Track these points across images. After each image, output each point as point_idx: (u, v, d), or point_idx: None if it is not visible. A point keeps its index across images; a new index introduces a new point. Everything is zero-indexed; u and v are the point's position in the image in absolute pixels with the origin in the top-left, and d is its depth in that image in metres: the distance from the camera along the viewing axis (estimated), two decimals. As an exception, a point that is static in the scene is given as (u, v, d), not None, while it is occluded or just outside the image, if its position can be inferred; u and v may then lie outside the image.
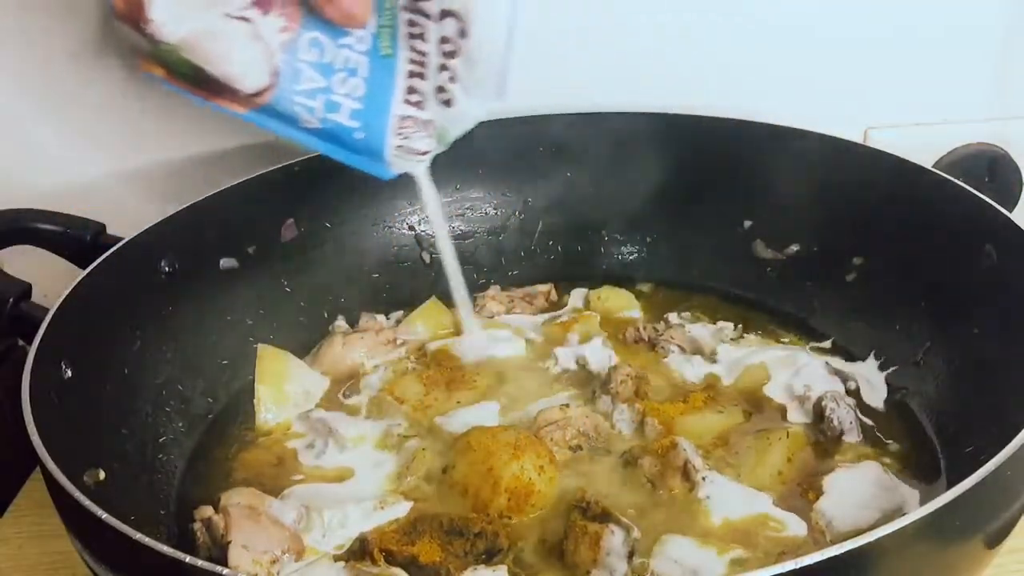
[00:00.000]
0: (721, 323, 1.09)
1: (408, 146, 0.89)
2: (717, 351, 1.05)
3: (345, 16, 0.83)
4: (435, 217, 1.02)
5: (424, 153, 0.92)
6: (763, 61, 1.23)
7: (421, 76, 0.86)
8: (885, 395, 0.98)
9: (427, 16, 0.83)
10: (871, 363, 1.02)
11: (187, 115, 1.20)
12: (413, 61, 0.86)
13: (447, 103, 0.87)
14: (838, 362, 1.02)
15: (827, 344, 1.05)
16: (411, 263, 1.21)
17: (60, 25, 1.14)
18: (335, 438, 0.95)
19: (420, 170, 0.96)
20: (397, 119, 0.88)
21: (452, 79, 0.86)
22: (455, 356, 1.06)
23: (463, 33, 0.83)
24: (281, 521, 0.83)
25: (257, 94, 0.86)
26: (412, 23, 0.84)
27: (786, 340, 1.06)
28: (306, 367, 1.05)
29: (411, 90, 0.87)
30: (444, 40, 0.84)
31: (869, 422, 0.94)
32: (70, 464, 0.72)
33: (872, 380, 1.00)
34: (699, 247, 1.19)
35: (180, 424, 0.98)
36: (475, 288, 1.19)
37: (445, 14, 0.83)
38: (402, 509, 0.86)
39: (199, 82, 0.86)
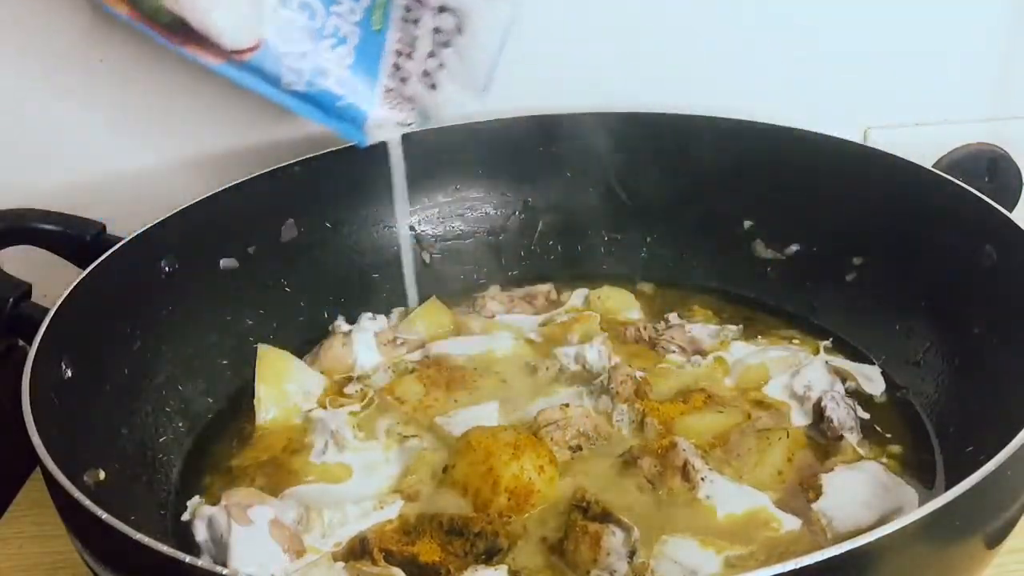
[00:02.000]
0: (721, 323, 1.09)
1: (388, 116, 0.91)
2: (717, 351, 1.05)
3: None
4: (399, 188, 1.03)
5: (402, 123, 0.94)
6: (763, 61, 1.23)
7: (408, 56, 0.88)
8: (885, 395, 0.98)
9: (424, 5, 0.85)
10: (871, 363, 1.02)
11: (187, 115, 1.20)
12: (402, 41, 0.88)
13: (432, 87, 0.89)
14: (838, 362, 1.01)
15: (827, 344, 1.05)
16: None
17: (60, 21, 1.14)
18: (335, 438, 0.95)
19: (394, 138, 0.97)
20: (382, 89, 0.90)
21: (440, 66, 0.88)
22: (455, 356, 1.06)
23: (459, 30, 0.85)
24: (281, 521, 0.83)
25: (238, 52, 0.86)
26: (408, 8, 0.86)
27: (786, 340, 1.06)
28: (306, 367, 1.05)
29: (397, 67, 0.89)
30: (438, 30, 0.87)
31: (869, 422, 0.94)
32: (70, 464, 0.72)
33: (872, 380, 1.00)
34: (699, 247, 1.19)
35: (180, 424, 0.98)
36: (475, 288, 1.19)
37: (443, 9, 0.85)
38: (402, 509, 0.86)
39: (174, 27, 0.86)
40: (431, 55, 0.87)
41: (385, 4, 0.85)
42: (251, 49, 0.86)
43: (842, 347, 1.05)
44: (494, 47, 0.87)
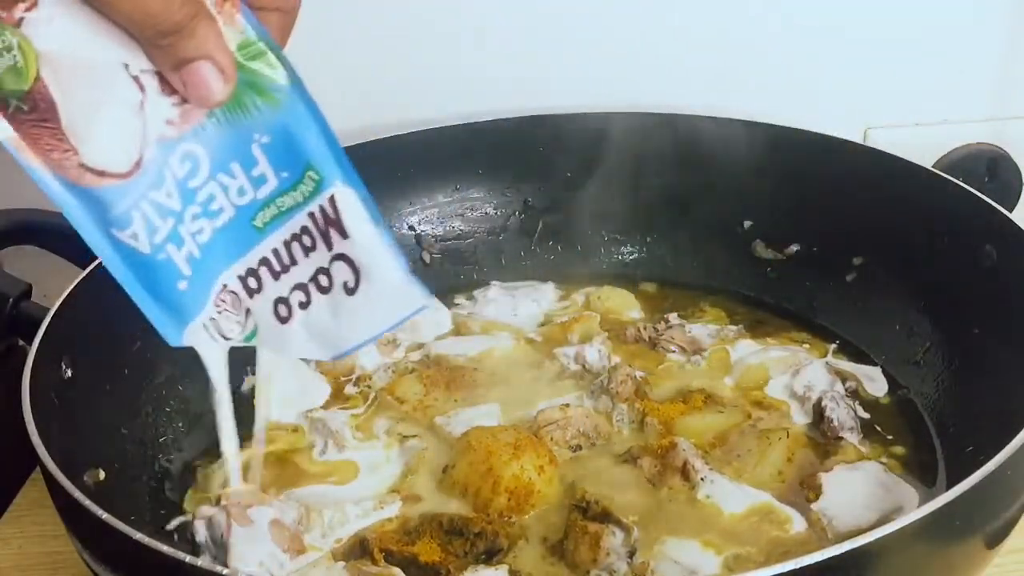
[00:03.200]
0: (721, 323, 1.09)
1: (217, 323, 0.74)
2: (717, 351, 1.05)
3: (200, 94, 0.64)
4: (220, 385, 0.80)
5: (227, 338, 0.76)
6: (763, 61, 1.23)
7: (274, 274, 0.72)
8: (885, 395, 0.98)
9: (327, 243, 0.70)
10: (871, 363, 1.02)
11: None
12: (276, 255, 0.71)
13: (282, 319, 0.73)
14: (838, 362, 1.01)
15: (827, 344, 1.05)
16: (411, 263, 1.20)
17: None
18: (335, 438, 0.95)
19: (214, 355, 0.78)
20: (220, 287, 0.73)
21: (304, 304, 0.72)
22: (455, 356, 1.06)
23: (347, 288, 0.70)
24: (281, 521, 0.83)
25: (98, 173, 0.66)
26: (307, 232, 0.70)
27: (797, 343, 1.06)
28: (306, 367, 1.05)
29: (252, 272, 0.72)
30: (323, 271, 0.71)
31: (870, 422, 0.94)
32: (70, 464, 0.72)
33: (872, 380, 1.00)
34: (699, 247, 1.19)
35: (180, 424, 0.98)
36: (475, 288, 1.19)
37: (345, 259, 0.70)
38: (402, 509, 0.86)
39: (13, 111, 0.64)
40: (300, 288, 0.71)
41: (285, 212, 0.69)
42: (115, 176, 0.66)
43: (841, 347, 1.04)
44: (376, 330, 0.71)
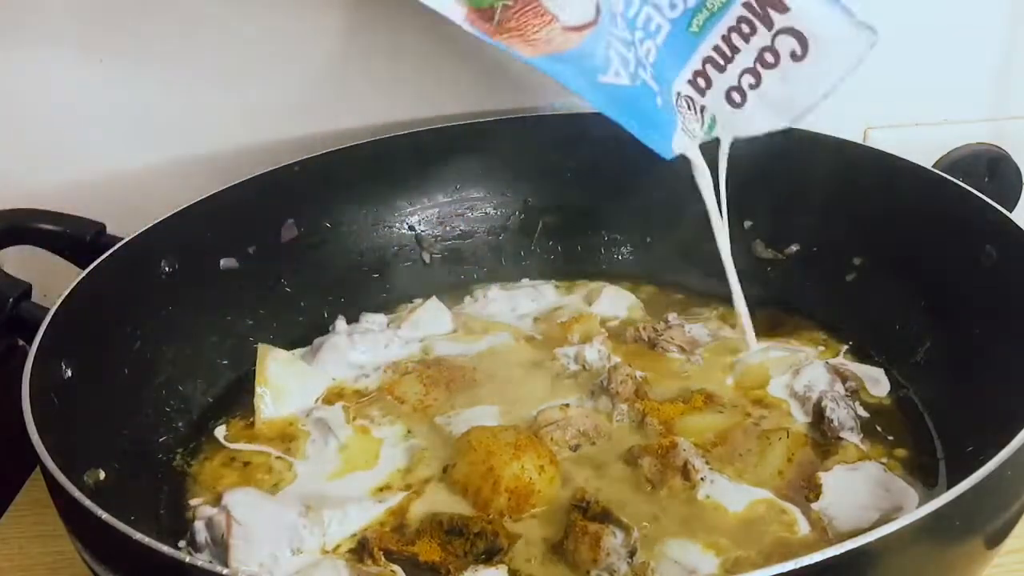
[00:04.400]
0: (721, 323, 1.09)
1: (684, 125, 0.84)
2: (717, 351, 1.05)
3: None
4: (709, 199, 0.93)
5: (694, 137, 0.86)
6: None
7: (719, 68, 0.81)
8: (885, 395, 0.98)
9: (767, 24, 0.77)
10: (874, 363, 1.02)
11: (187, 115, 1.20)
12: (718, 50, 0.80)
13: (736, 104, 0.82)
14: (843, 363, 1.01)
15: (827, 344, 1.05)
16: (411, 263, 1.21)
17: (60, 21, 1.14)
18: (335, 437, 0.95)
19: (695, 152, 0.88)
20: (675, 95, 0.82)
21: (754, 85, 0.81)
22: (455, 356, 1.06)
23: (798, 56, 0.78)
24: (281, 520, 0.83)
25: (576, 28, 0.75)
26: (744, 20, 0.78)
27: (786, 340, 1.06)
28: (306, 367, 1.05)
29: (699, 74, 0.81)
30: (768, 49, 0.79)
31: (871, 423, 0.94)
32: (70, 464, 0.72)
33: (872, 380, 1.00)
34: (699, 247, 1.18)
35: (180, 424, 0.98)
36: (475, 288, 1.19)
37: (788, 31, 0.77)
38: (401, 508, 0.86)
39: (500, 19, 0.74)
40: (747, 71, 0.80)
41: (717, 11, 0.78)
42: (587, 25, 0.75)
43: (841, 347, 1.04)
44: (832, 84, 0.79)
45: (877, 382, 0.99)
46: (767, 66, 0.79)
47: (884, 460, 0.89)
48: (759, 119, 0.83)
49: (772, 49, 0.78)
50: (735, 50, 0.79)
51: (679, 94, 0.82)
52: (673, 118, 0.81)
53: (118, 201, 1.16)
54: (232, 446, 0.97)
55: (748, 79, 0.80)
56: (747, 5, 0.78)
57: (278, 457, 0.95)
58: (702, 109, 0.83)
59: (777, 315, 1.11)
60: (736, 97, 0.82)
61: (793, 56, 0.78)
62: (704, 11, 0.78)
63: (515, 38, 0.74)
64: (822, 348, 1.04)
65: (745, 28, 0.78)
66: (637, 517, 0.82)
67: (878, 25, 1.21)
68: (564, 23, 0.75)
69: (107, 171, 1.21)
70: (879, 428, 0.94)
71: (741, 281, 1.14)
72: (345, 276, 1.17)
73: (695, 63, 0.80)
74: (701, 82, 0.81)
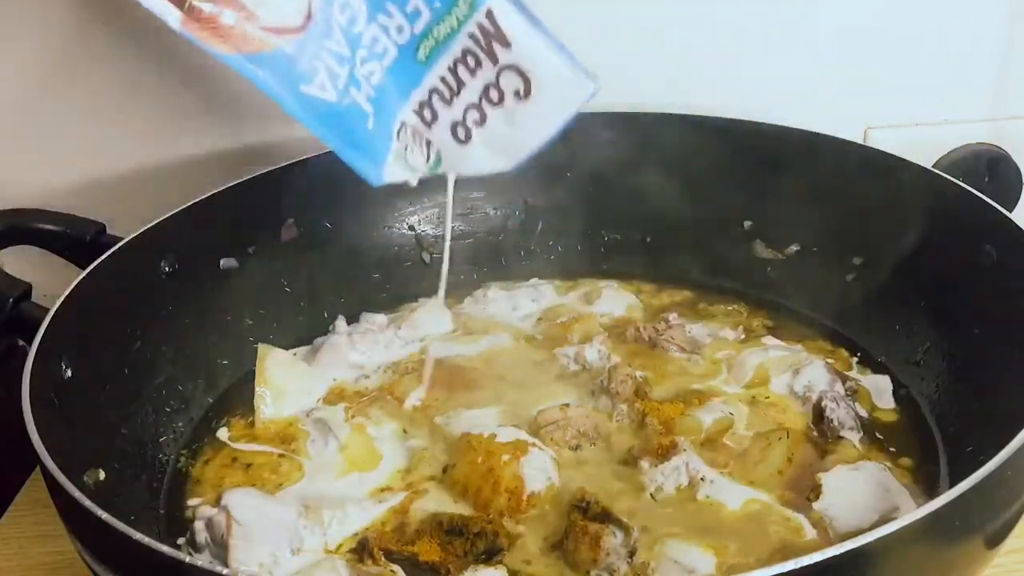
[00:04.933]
0: (721, 323, 1.09)
1: (404, 157, 0.81)
2: (717, 351, 1.05)
3: None
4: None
5: (416, 170, 0.83)
6: (763, 61, 1.23)
7: (446, 101, 0.78)
8: (885, 395, 0.98)
9: (492, 59, 0.75)
10: (876, 363, 1.02)
11: (188, 115, 1.20)
12: (445, 83, 0.77)
13: (461, 140, 0.79)
14: (851, 374, 1.01)
15: (828, 344, 1.05)
16: (411, 263, 1.21)
17: (60, 21, 1.14)
18: (335, 437, 0.95)
19: (412, 182, 0.86)
20: (399, 123, 0.80)
21: (479, 122, 0.78)
22: (455, 356, 1.06)
23: (522, 95, 0.76)
24: (281, 520, 0.83)
25: (278, 31, 0.72)
26: (470, 52, 0.76)
27: (786, 340, 1.06)
28: (306, 367, 1.05)
29: (425, 104, 0.79)
30: (493, 86, 0.77)
31: (869, 422, 0.94)
32: (70, 464, 0.72)
33: (872, 380, 1.00)
34: (699, 247, 1.19)
35: (180, 424, 0.98)
36: (475, 288, 1.19)
37: (512, 68, 0.75)
38: (401, 508, 0.86)
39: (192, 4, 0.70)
40: (473, 107, 0.77)
41: (443, 41, 0.75)
42: (292, 31, 0.72)
43: (841, 347, 1.05)
44: (554, 126, 0.77)
45: (882, 393, 0.98)
46: (492, 104, 0.76)
47: (884, 460, 0.89)
48: (483, 159, 0.80)
49: (497, 86, 0.75)
50: (461, 84, 0.77)
51: (404, 123, 0.79)
52: (387, 145, 0.79)
53: (118, 201, 1.16)
54: (233, 446, 0.97)
55: (473, 115, 0.77)
56: (472, 37, 0.75)
57: (279, 457, 0.95)
58: (428, 143, 0.80)
59: (777, 316, 1.11)
60: (461, 133, 0.79)
61: (517, 96, 0.75)
62: (431, 38, 0.76)
63: (207, 30, 0.70)
64: (831, 360, 1.02)
65: (471, 61, 0.76)
66: (637, 517, 0.82)
67: (878, 25, 1.22)
68: (264, 23, 0.72)
69: (107, 171, 1.21)
70: (879, 428, 0.94)
71: (741, 281, 1.15)
72: (345, 276, 1.17)
73: (422, 93, 0.78)
74: (427, 114, 0.79)
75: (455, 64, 0.76)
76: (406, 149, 0.80)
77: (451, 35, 0.75)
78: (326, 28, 0.74)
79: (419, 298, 1.15)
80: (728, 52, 1.23)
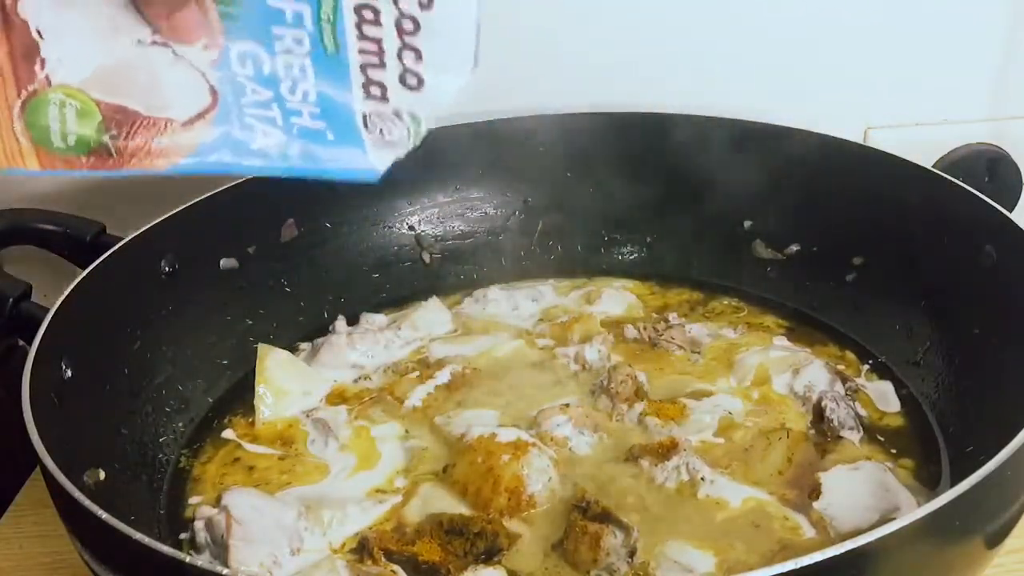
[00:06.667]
0: (721, 323, 1.09)
1: (383, 140, 0.78)
2: (717, 351, 1.05)
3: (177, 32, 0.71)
4: None
5: (400, 143, 0.79)
6: (763, 61, 1.23)
7: (379, 66, 0.75)
8: (885, 395, 0.98)
9: None
10: (875, 361, 1.02)
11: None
12: (365, 51, 0.74)
13: (414, 87, 0.75)
14: (855, 379, 1.00)
15: (828, 344, 1.05)
16: (411, 263, 1.21)
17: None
18: (335, 438, 0.95)
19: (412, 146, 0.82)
20: (361, 117, 0.77)
21: (418, 58, 0.74)
22: (455, 356, 1.06)
23: (424, 5, 0.72)
24: (281, 520, 0.83)
25: (198, 117, 0.72)
26: (361, 7, 0.72)
27: (787, 340, 1.06)
28: (306, 367, 1.05)
29: (368, 84, 0.75)
30: (403, 16, 0.73)
31: (869, 422, 0.94)
32: (70, 464, 0.72)
33: (877, 386, 0.99)
34: (699, 247, 1.19)
35: (180, 424, 0.98)
36: (475, 288, 1.19)
37: None
38: (401, 508, 0.86)
39: (99, 149, 0.70)
40: (403, 51, 0.73)
41: (335, 16, 0.73)
42: (208, 110, 0.72)
43: (842, 347, 1.05)
44: (470, 9, 0.73)
45: (886, 398, 0.98)
46: (412, 33, 0.72)
47: (884, 460, 0.89)
48: (447, 83, 0.78)
49: (403, 15, 0.72)
50: (376, 40, 0.73)
51: (366, 115, 0.76)
52: (358, 142, 0.77)
53: (118, 201, 1.16)
54: (240, 443, 0.97)
55: (408, 57, 0.73)
56: None
57: (279, 457, 0.95)
58: (396, 113, 0.77)
59: (778, 317, 1.11)
60: (412, 81, 0.75)
61: (422, 6, 0.71)
62: (325, 24, 0.73)
63: (144, 158, 0.71)
64: (842, 366, 1.02)
65: (369, 14, 0.72)
66: (637, 517, 0.82)
67: (878, 25, 1.22)
68: (182, 120, 0.71)
69: (107, 171, 1.21)
70: (879, 428, 0.94)
71: (741, 280, 1.15)
72: (345, 276, 1.17)
73: (357, 78, 0.75)
74: (375, 90, 0.75)
75: (359, 27, 0.73)
76: (381, 133, 0.79)
77: (336, 6, 0.73)
78: (235, 89, 0.73)
79: (419, 298, 1.16)
80: (728, 52, 1.23)
